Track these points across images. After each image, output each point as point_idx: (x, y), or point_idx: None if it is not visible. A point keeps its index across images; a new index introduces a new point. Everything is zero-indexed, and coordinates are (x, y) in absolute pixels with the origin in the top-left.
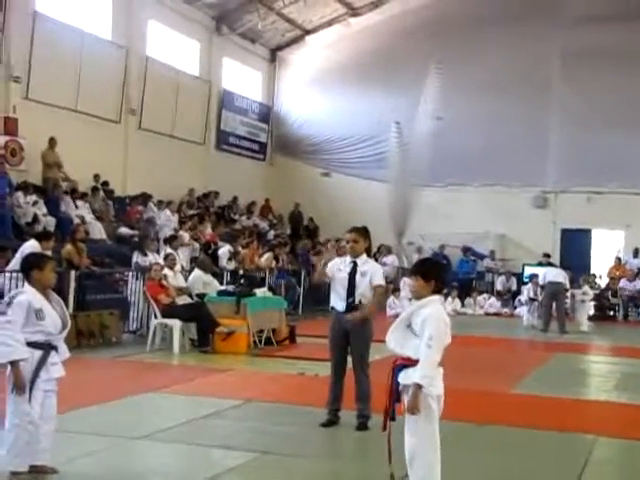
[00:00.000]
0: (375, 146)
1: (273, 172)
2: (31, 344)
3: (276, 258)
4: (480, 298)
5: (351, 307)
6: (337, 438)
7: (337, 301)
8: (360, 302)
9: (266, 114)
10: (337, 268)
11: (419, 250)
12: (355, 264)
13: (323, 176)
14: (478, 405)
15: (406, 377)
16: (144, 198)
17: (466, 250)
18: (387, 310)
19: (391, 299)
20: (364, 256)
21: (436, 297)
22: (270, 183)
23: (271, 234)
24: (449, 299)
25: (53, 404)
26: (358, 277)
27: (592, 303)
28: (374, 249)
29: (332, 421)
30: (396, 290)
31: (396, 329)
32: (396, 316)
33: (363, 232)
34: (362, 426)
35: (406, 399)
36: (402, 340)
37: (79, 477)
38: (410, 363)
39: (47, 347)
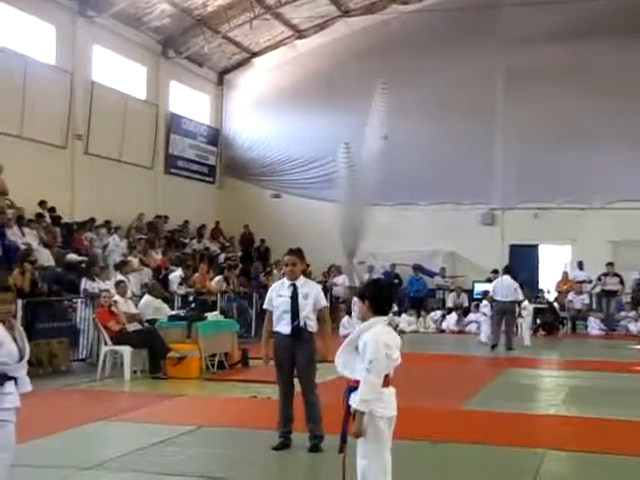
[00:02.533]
0: (324, 166)
1: (223, 195)
2: None
3: (227, 281)
4: (432, 315)
5: (297, 330)
6: (291, 461)
7: (282, 325)
8: (305, 324)
9: (215, 137)
10: (277, 294)
11: (370, 269)
12: (295, 287)
13: (273, 197)
14: (430, 423)
15: (355, 400)
16: (91, 223)
17: (417, 268)
18: (340, 329)
19: (345, 319)
20: (302, 277)
21: (378, 318)
22: (220, 206)
23: (222, 257)
24: (403, 316)
25: (8, 434)
26: (301, 299)
27: (530, 318)
28: (325, 269)
29: (285, 444)
30: (349, 310)
31: (343, 352)
32: (347, 336)
33: (300, 254)
34: (315, 448)
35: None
36: (350, 363)
37: None
38: (359, 385)
39: (1, 377)
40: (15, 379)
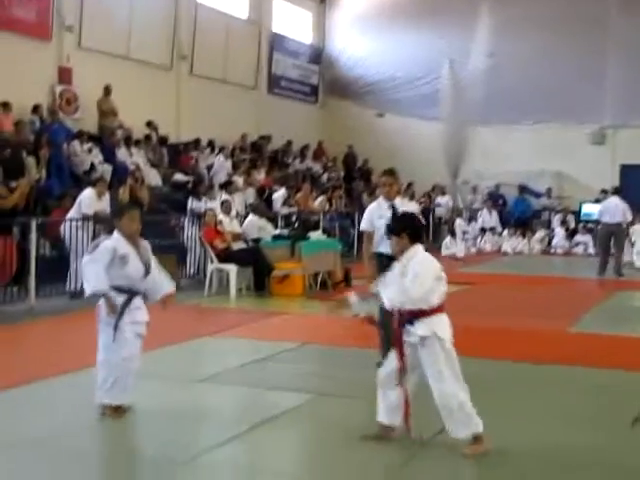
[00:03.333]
0: (428, 84)
1: (326, 114)
2: (115, 288)
3: (329, 201)
4: (537, 237)
5: None
6: None
7: (384, 246)
8: None
9: (317, 56)
10: (377, 216)
11: (474, 190)
12: (394, 207)
13: (376, 117)
14: (536, 344)
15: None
16: (197, 144)
17: (522, 189)
18: (442, 250)
19: (447, 239)
20: (399, 198)
21: (417, 246)
22: (323, 126)
23: (325, 177)
24: (507, 237)
25: (138, 346)
26: None
27: None
28: (428, 189)
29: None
30: (451, 231)
31: (390, 283)
32: (452, 256)
33: (394, 174)
34: None
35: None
36: (399, 294)
37: (142, 419)
38: (414, 315)
39: (130, 292)
40: (143, 294)
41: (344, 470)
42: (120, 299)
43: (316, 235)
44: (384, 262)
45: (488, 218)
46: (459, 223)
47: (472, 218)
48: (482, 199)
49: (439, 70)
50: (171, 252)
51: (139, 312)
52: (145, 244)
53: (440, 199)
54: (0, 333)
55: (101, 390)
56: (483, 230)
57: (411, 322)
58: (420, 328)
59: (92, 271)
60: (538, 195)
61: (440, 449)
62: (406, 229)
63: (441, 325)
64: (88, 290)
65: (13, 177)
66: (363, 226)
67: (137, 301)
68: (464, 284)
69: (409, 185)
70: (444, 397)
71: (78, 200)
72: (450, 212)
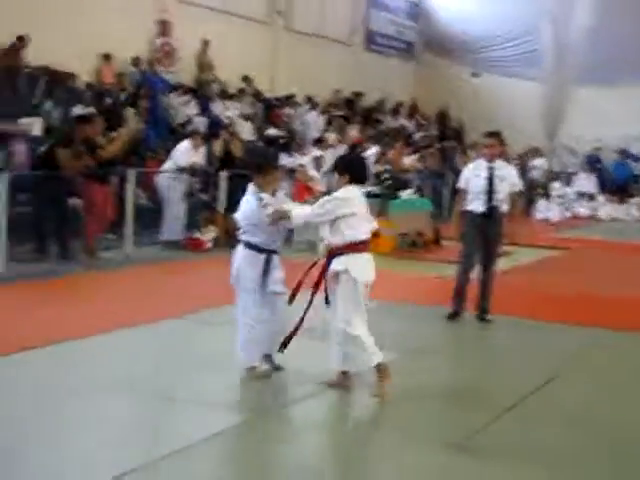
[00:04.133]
0: (527, 43)
1: (421, 72)
2: (255, 247)
3: (422, 160)
4: (636, 202)
5: (491, 211)
6: (461, 331)
7: (476, 204)
8: (498, 206)
9: (415, 12)
10: (473, 174)
11: (571, 153)
12: (492, 169)
13: (472, 76)
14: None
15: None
16: (291, 99)
17: (622, 152)
18: (536, 214)
19: (541, 203)
20: (499, 160)
21: (351, 187)
22: (418, 83)
23: (417, 135)
24: (603, 202)
25: (281, 305)
26: (496, 181)
27: None
28: (522, 151)
29: (457, 313)
30: (546, 194)
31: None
32: (545, 220)
33: (498, 137)
34: (484, 319)
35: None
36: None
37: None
38: (339, 251)
39: (268, 251)
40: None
41: (419, 427)
42: (261, 257)
43: (407, 194)
44: (473, 219)
45: (585, 182)
46: (555, 186)
47: (568, 182)
48: (579, 162)
49: (539, 28)
50: None
51: (276, 271)
52: (282, 197)
53: (535, 161)
54: (98, 279)
55: (242, 352)
56: (579, 194)
57: (336, 256)
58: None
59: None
60: (638, 159)
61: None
62: (348, 170)
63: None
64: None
65: (113, 128)
66: (459, 184)
67: (275, 259)
68: (557, 249)
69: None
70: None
71: (174, 152)
72: (545, 175)
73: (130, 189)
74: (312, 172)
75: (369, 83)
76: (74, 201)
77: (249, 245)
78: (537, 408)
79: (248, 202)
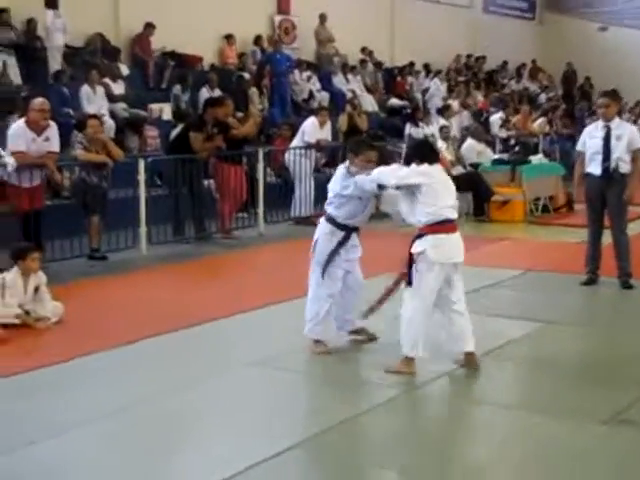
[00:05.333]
0: None
1: (543, 31)
2: (335, 221)
3: (550, 122)
4: None
5: (608, 172)
6: (619, 305)
7: (593, 166)
8: (617, 167)
9: None
10: (590, 136)
11: None
12: (609, 128)
13: (599, 30)
14: None
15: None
16: (411, 68)
17: None
18: None
19: None
20: (617, 119)
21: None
22: (540, 43)
23: (542, 97)
24: None
25: (356, 278)
26: (613, 141)
27: None
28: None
29: (592, 279)
30: None
31: (403, 201)
32: None
33: (614, 96)
34: (626, 284)
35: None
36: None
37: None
38: (422, 232)
39: (348, 229)
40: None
41: (571, 403)
42: (339, 234)
43: (537, 159)
44: (592, 182)
45: None
46: None
47: None
48: None
49: None
50: None
51: (354, 249)
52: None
53: None
54: (235, 257)
55: (311, 324)
56: None
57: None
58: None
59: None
60: None
61: None
62: (415, 156)
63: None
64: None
65: (239, 108)
66: (578, 146)
67: (354, 238)
68: None
69: (637, 104)
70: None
71: (301, 129)
72: None
73: (260, 168)
74: (440, 142)
75: (490, 46)
76: (208, 182)
77: (330, 219)
78: None
79: (337, 171)
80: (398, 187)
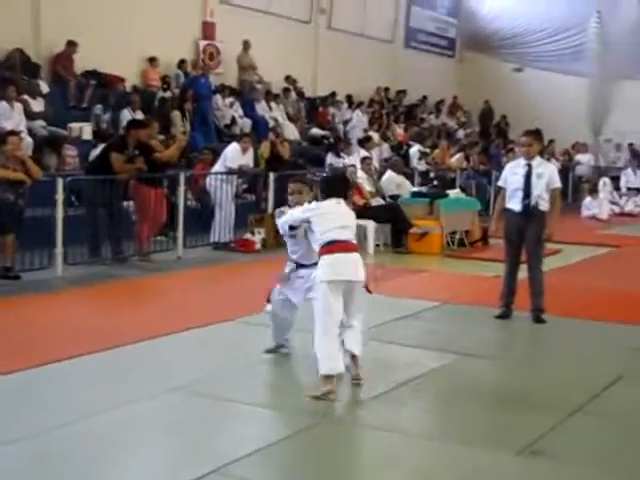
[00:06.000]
0: (572, 38)
1: (462, 69)
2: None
3: (467, 158)
4: None
5: (528, 208)
6: (532, 339)
7: (513, 202)
8: (537, 204)
9: (455, 8)
10: (511, 172)
11: (618, 148)
12: (530, 166)
13: (515, 71)
14: None
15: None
16: (333, 98)
17: None
18: (582, 210)
19: (587, 200)
20: (538, 158)
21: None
22: (459, 80)
23: (460, 133)
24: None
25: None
26: (534, 179)
27: None
28: (569, 146)
29: (506, 313)
30: (593, 191)
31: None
32: (592, 217)
33: (536, 135)
34: (538, 319)
35: None
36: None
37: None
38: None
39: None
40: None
41: (486, 433)
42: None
43: (455, 193)
44: (512, 218)
45: (632, 178)
46: (604, 182)
47: (614, 178)
48: (626, 158)
49: (585, 22)
50: None
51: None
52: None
53: (581, 157)
54: (152, 280)
55: None
56: (628, 190)
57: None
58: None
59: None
60: None
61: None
62: (322, 191)
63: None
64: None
65: (160, 131)
66: (499, 182)
67: (301, 271)
68: (607, 246)
69: (549, 142)
70: None
71: (223, 154)
72: (591, 171)
73: (181, 192)
74: (359, 173)
75: (411, 80)
76: (127, 204)
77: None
78: (605, 409)
79: None
80: (293, 227)
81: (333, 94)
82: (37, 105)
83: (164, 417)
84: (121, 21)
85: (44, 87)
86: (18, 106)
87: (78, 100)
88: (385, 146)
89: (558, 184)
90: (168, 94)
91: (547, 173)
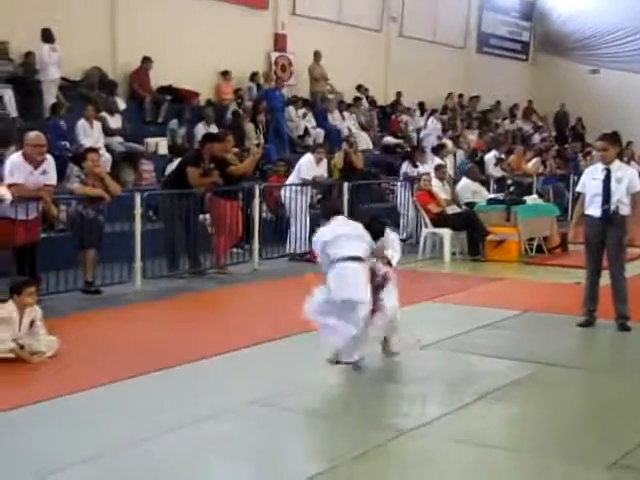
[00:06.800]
0: None
1: (536, 72)
2: None
3: (543, 163)
4: None
5: (608, 214)
6: (617, 348)
7: (593, 208)
8: (617, 209)
9: (529, 11)
10: (590, 177)
11: None
12: (609, 171)
13: (591, 73)
14: None
15: None
16: (401, 106)
17: None
18: None
19: None
20: (617, 162)
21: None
22: (533, 84)
23: (536, 138)
24: None
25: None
26: (613, 183)
27: None
28: None
29: (589, 322)
30: None
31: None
32: None
33: (613, 138)
34: (622, 327)
35: None
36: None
37: (366, 382)
38: None
39: None
40: None
41: (573, 446)
42: None
43: (532, 199)
44: (591, 223)
45: None
46: None
47: None
48: None
49: None
50: (384, 216)
51: None
52: None
53: None
54: (229, 292)
55: None
56: None
57: None
58: None
59: None
60: None
61: None
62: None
63: None
64: None
65: (234, 144)
66: (578, 188)
67: None
68: None
69: (627, 144)
70: None
71: (298, 165)
72: None
73: (256, 204)
74: (434, 181)
75: (484, 86)
76: (204, 217)
77: None
78: None
79: None
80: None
81: (398, 100)
82: (114, 122)
83: (239, 432)
84: (194, 36)
85: (121, 104)
86: (97, 123)
87: (154, 116)
88: (460, 153)
89: (639, 188)
90: (241, 107)
91: (627, 177)
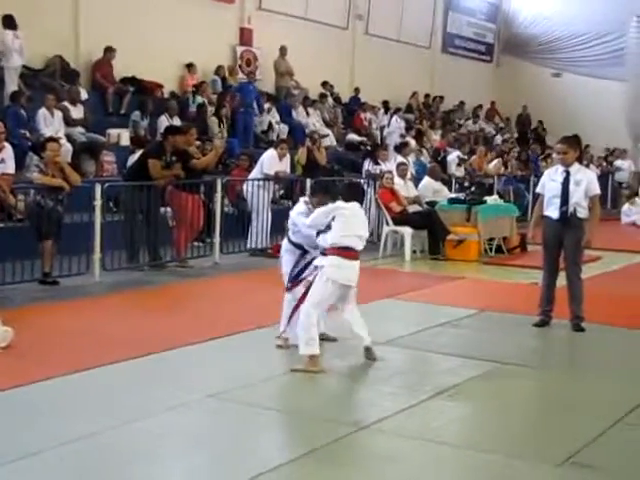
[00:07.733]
0: (612, 42)
1: (500, 74)
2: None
3: (505, 164)
4: None
5: (565, 216)
6: (571, 348)
7: (551, 209)
8: (575, 211)
9: (494, 13)
10: (550, 179)
11: None
12: (568, 173)
13: (553, 76)
14: None
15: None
16: (365, 104)
17: None
18: (622, 217)
19: (626, 206)
20: (576, 165)
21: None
22: (497, 85)
23: (498, 139)
24: None
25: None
26: (572, 186)
27: None
28: (607, 152)
29: (544, 321)
30: (633, 195)
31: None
32: (632, 224)
33: (573, 141)
34: (577, 327)
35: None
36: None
37: (325, 379)
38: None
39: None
40: None
41: (525, 443)
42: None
43: (492, 199)
44: (550, 225)
45: None
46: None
47: None
48: None
49: (625, 26)
50: None
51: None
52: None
53: (620, 163)
54: (190, 286)
55: None
56: None
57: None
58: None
59: None
60: None
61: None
62: (342, 195)
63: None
64: None
65: (198, 137)
66: (538, 189)
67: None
68: None
69: (586, 147)
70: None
71: (260, 160)
72: (632, 176)
73: (218, 198)
74: (396, 179)
75: (448, 86)
76: (165, 210)
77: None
78: None
79: (298, 204)
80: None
81: (356, 95)
82: (76, 112)
83: (197, 425)
84: (159, 28)
85: (83, 94)
86: (58, 113)
87: (116, 106)
88: (422, 152)
89: (597, 191)
90: (203, 99)
91: (585, 180)
